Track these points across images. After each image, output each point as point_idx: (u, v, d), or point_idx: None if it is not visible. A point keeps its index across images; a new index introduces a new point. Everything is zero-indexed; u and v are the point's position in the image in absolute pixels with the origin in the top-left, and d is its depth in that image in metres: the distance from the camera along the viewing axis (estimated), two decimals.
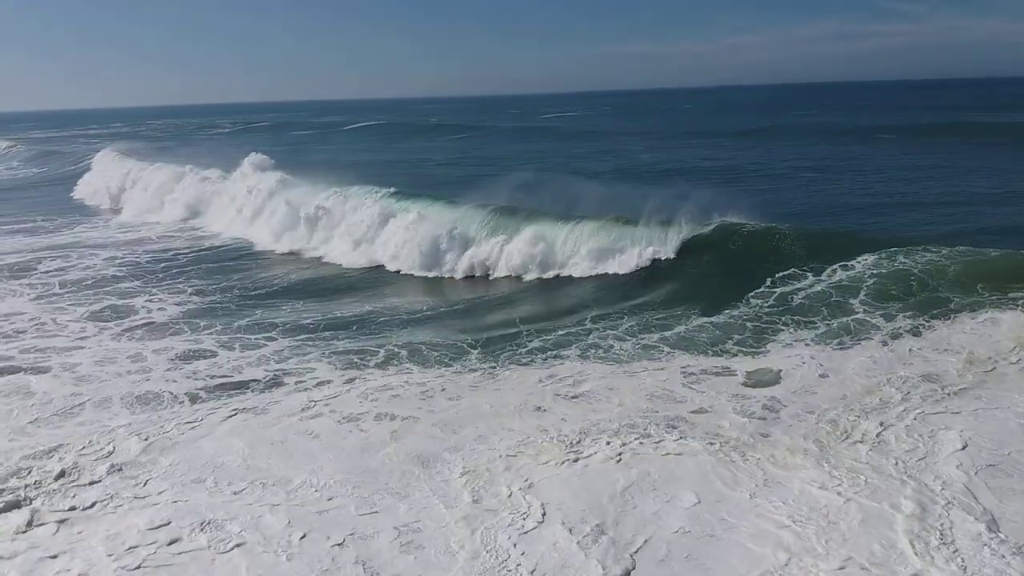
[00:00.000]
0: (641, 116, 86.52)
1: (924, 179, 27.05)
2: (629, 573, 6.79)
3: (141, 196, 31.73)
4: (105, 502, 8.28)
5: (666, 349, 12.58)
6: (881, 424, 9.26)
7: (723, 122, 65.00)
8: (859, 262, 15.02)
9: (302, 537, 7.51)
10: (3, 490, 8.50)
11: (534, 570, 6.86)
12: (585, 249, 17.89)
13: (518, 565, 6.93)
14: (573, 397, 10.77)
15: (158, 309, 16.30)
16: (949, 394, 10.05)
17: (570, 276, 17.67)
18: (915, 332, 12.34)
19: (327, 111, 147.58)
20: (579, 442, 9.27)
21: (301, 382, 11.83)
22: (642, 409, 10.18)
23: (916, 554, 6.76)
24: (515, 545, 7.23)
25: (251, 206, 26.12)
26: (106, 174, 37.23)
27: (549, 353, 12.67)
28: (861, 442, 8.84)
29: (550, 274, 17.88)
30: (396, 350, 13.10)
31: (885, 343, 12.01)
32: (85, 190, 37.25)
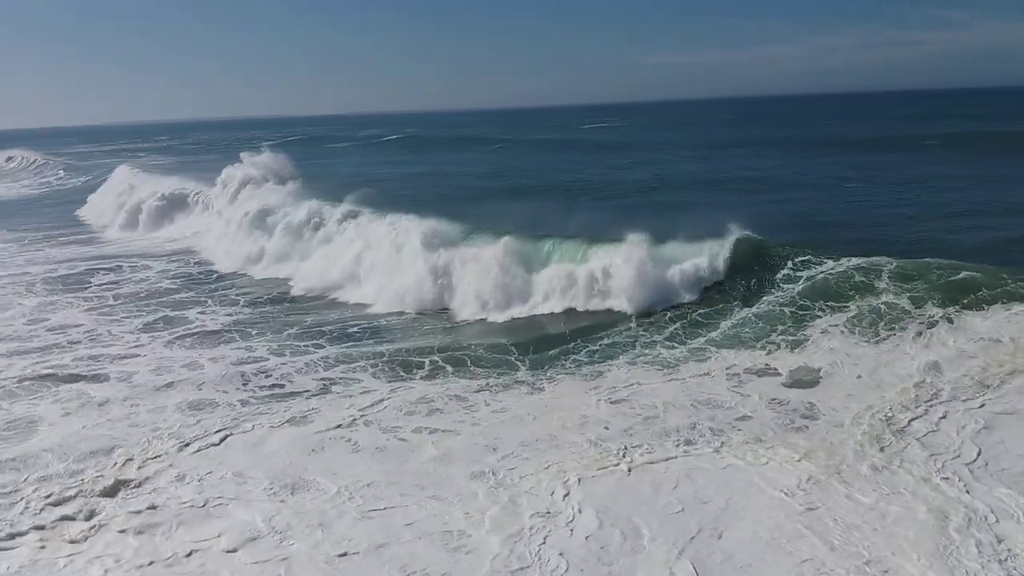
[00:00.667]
0: (680, 127, 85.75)
1: (959, 190, 26.37)
2: None
3: (138, 215, 31.10)
4: (159, 507, 8.56)
5: (712, 349, 12.80)
6: (924, 426, 9.31)
7: (763, 132, 64.06)
8: (879, 257, 14.84)
9: (352, 542, 7.73)
10: (61, 497, 8.79)
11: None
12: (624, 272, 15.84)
13: (566, 570, 7.08)
14: (615, 402, 10.93)
15: (211, 319, 16.71)
16: (990, 389, 10.04)
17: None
18: (948, 319, 12.22)
19: (362, 124, 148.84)
20: (623, 449, 9.42)
21: (348, 391, 12.10)
22: (687, 416, 10.31)
23: (967, 564, 6.77)
24: (562, 551, 7.39)
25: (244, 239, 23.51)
26: (112, 192, 36.77)
27: (596, 362, 12.83)
28: (905, 446, 8.90)
29: (598, 306, 15.85)
30: (440, 363, 13.27)
31: (920, 334, 11.94)
32: (89, 208, 37.01)
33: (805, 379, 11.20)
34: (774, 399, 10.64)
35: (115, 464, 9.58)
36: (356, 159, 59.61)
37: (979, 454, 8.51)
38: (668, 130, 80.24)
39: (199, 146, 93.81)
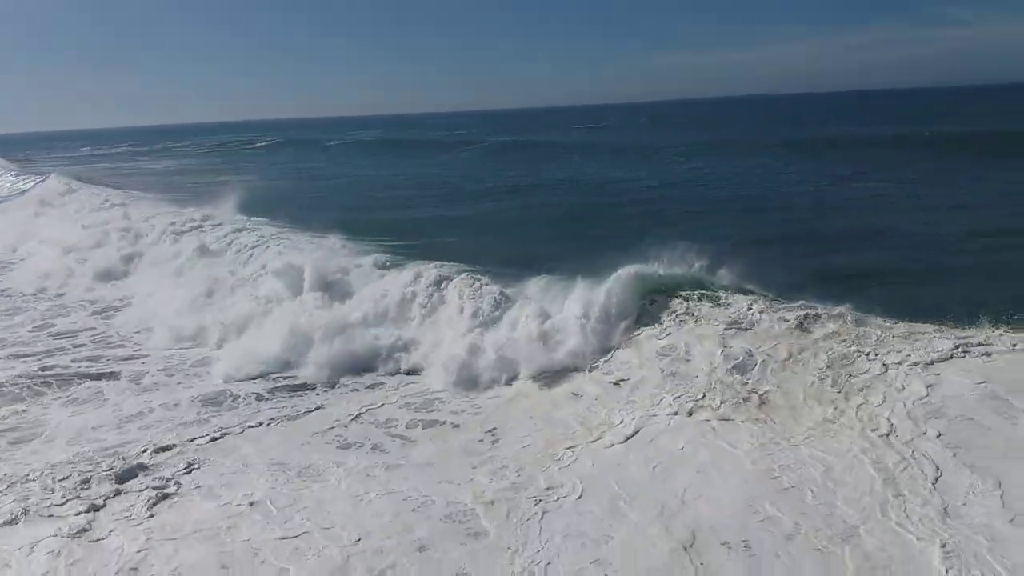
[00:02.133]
0: (683, 128, 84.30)
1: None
2: (694, 538, 7.51)
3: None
4: (175, 498, 9.02)
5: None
6: (864, 373, 10.03)
7: (769, 134, 62.52)
8: None
9: (364, 528, 8.18)
10: (76, 484, 9.21)
11: (583, 543, 7.58)
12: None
13: (564, 539, 7.67)
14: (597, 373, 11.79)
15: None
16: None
17: None
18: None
19: (355, 126, 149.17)
20: (608, 422, 10.22)
21: (356, 383, 12.73)
22: (659, 378, 11.18)
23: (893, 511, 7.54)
24: (558, 524, 7.96)
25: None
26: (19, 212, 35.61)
27: None
28: (847, 393, 9.73)
29: None
30: None
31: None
32: None
33: (741, 325, 11.88)
34: (724, 350, 11.33)
35: (127, 456, 10.01)
36: (357, 161, 60.11)
37: (921, 404, 9.14)
38: (658, 131, 79.83)
39: (203, 150, 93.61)
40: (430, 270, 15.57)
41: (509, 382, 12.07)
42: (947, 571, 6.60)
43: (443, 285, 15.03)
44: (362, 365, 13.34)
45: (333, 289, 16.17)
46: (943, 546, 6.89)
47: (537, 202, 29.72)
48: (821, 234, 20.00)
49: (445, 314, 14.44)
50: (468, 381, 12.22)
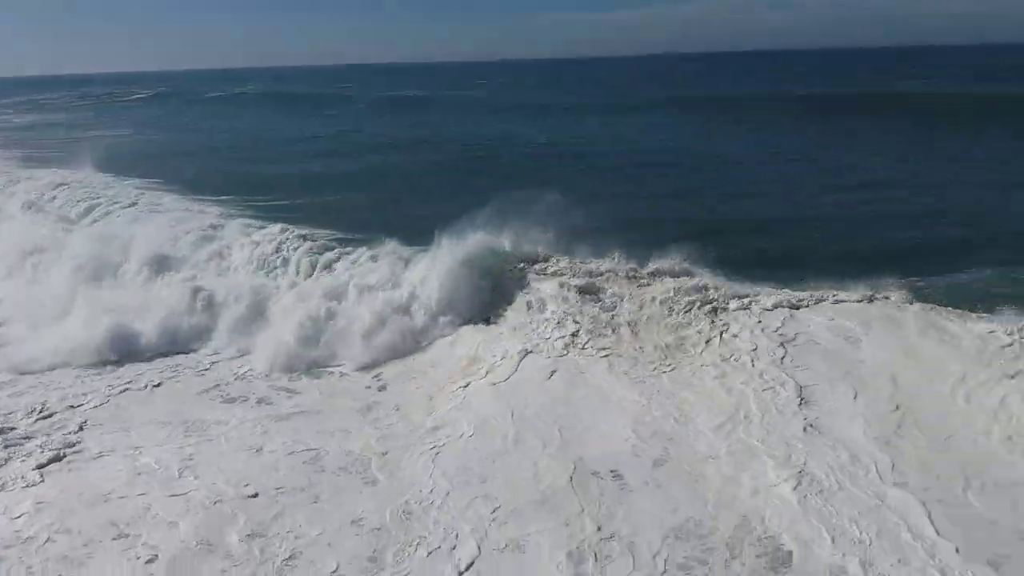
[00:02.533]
0: (572, 87, 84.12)
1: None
2: (574, 470, 8.03)
3: None
4: (63, 461, 8.91)
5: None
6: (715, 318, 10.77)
7: (660, 93, 63.37)
8: None
9: (258, 481, 8.31)
10: None
11: (469, 480, 8.02)
12: None
13: (455, 476, 8.10)
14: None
15: None
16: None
17: None
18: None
19: (235, 79, 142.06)
20: (486, 361, 10.73)
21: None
22: (525, 316, 11.67)
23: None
24: (454, 462, 8.39)
25: None
26: None
27: None
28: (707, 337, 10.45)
29: None
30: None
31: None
32: None
33: (592, 270, 12.32)
34: (583, 294, 11.74)
35: (9, 422, 9.80)
36: (238, 118, 57.91)
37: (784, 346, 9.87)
38: (545, 90, 79.44)
39: (79, 102, 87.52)
40: (272, 239, 14.86)
41: (337, 367, 11.57)
42: (800, 484, 7.38)
43: (282, 255, 14.39)
44: (185, 346, 12.51)
45: (164, 262, 14.94)
46: (800, 464, 7.68)
47: (422, 158, 29.22)
48: (686, 192, 20.25)
49: (280, 290, 13.65)
50: (294, 368, 11.41)
